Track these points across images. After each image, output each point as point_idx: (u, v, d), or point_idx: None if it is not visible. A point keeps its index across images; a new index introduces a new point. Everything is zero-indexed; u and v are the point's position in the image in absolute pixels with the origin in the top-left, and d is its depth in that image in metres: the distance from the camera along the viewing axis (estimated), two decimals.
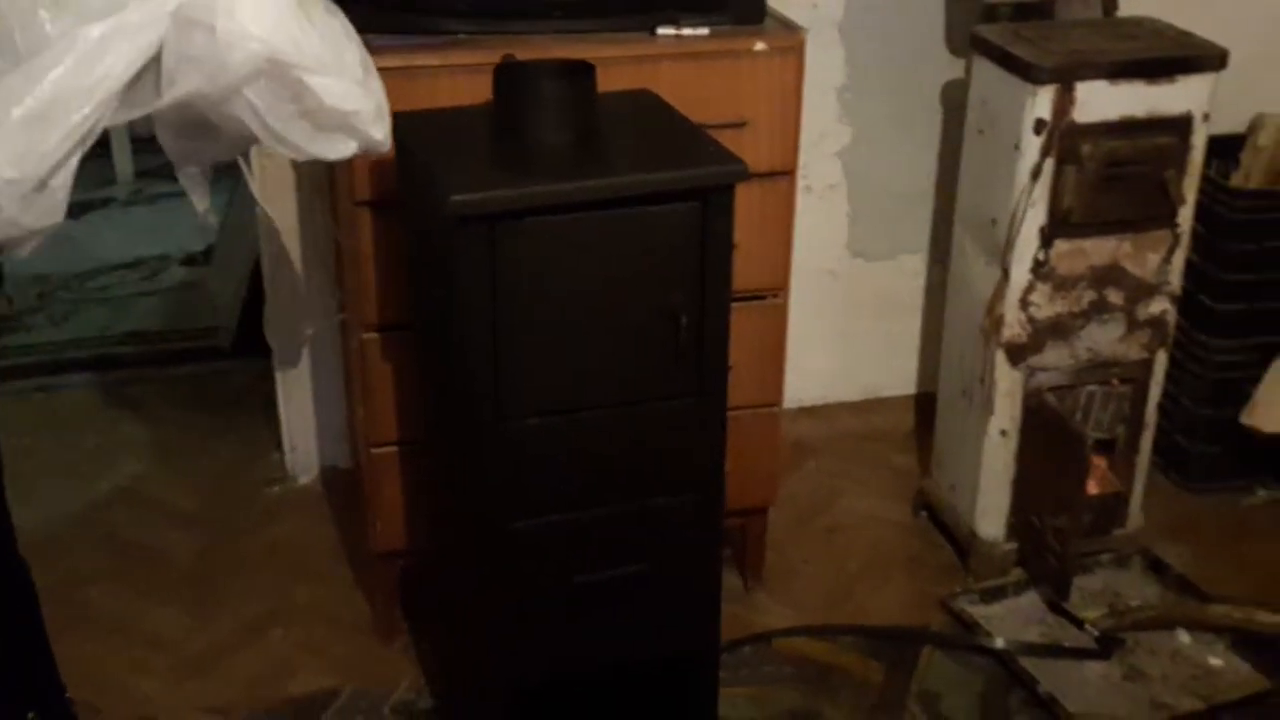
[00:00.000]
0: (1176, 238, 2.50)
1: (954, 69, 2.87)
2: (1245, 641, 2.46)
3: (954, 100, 2.84)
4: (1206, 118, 2.41)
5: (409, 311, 2.23)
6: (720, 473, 2.08)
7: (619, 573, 2.00)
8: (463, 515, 2.03)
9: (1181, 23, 2.53)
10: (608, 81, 2.16)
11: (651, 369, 1.97)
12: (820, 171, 3.01)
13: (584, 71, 1.98)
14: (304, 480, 3.00)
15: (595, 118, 1.98)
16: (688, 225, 1.91)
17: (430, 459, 2.23)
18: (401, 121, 2.01)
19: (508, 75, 1.96)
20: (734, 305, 2.37)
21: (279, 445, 3.02)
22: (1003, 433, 2.59)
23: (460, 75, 2.17)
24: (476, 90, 2.09)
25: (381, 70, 2.11)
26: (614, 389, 1.96)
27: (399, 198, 2.15)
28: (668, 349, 1.95)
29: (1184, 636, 2.51)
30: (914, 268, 3.16)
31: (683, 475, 2.04)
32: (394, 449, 2.39)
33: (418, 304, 2.15)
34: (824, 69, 2.89)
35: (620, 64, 2.22)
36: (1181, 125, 2.40)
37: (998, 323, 2.52)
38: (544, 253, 1.86)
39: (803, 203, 2.97)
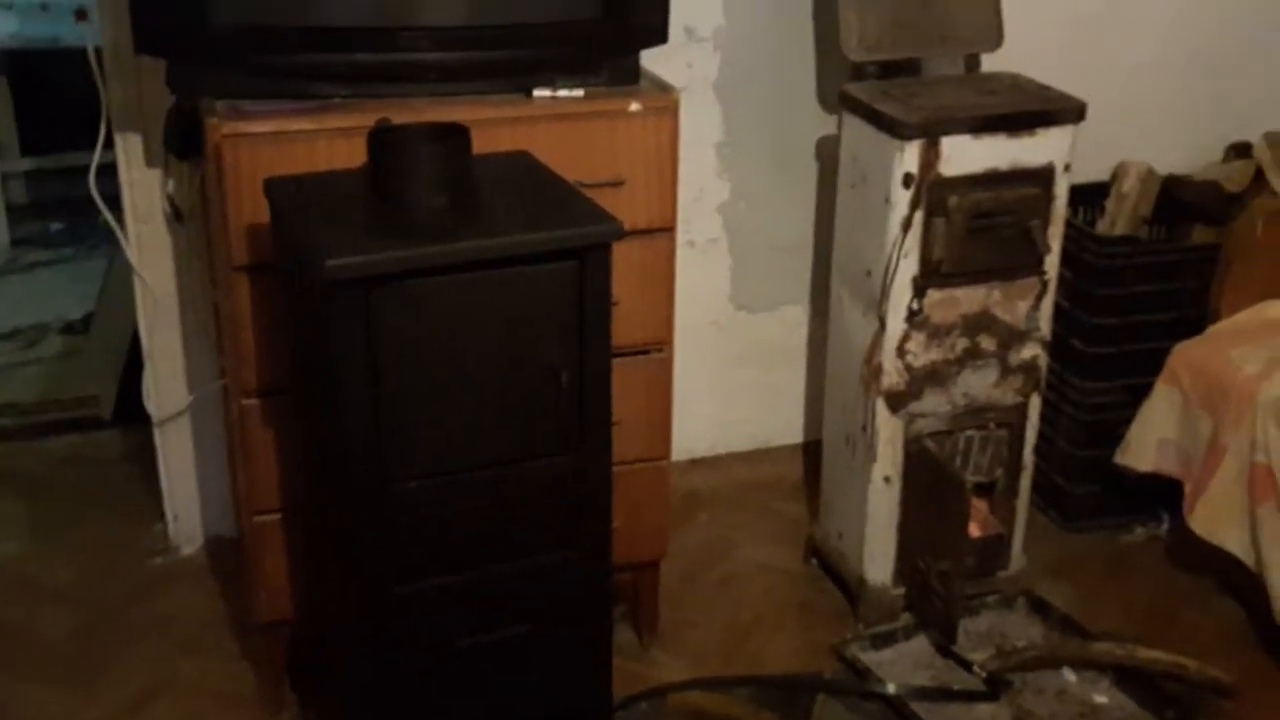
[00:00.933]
0: (1044, 285, 2.58)
1: (827, 124, 2.94)
2: (1128, 678, 2.51)
3: (828, 155, 2.91)
4: (1068, 168, 2.50)
5: (288, 376, 2.21)
6: (606, 529, 2.09)
7: (505, 634, 2.00)
8: (343, 581, 2.00)
9: (1042, 77, 2.62)
10: (485, 143, 2.19)
11: (534, 427, 1.98)
12: (702, 226, 3.05)
13: (458, 134, 1.99)
14: (188, 551, 2.95)
15: (471, 179, 1.99)
16: (566, 284, 1.93)
17: (311, 525, 2.21)
18: (276, 186, 2.01)
19: (382, 139, 1.97)
20: (619, 360, 2.42)
21: (161, 516, 2.96)
22: (886, 479, 2.64)
23: (337, 139, 2.17)
24: (354, 153, 2.08)
25: (256, 135, 2.13)
26: (496, 448, 1.96)
27: (275, 262, 2.14)
28: (549, 407, 1.96)
29: (1069, 675, 2.55)
30: (796, 318, 3.21)
31: (568, 533, 2.04)
32: (277, 516, 2.35)
33: (296, 368, 2.13)
34: (702, 126, 2.94)
35: (497, 126, 2.24)
36: (1044, 176, 2.48)
37: (876, 372, 2.57)
38: (421, 315, 1.86)
39: (685, 257, 3.02)
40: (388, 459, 1.88)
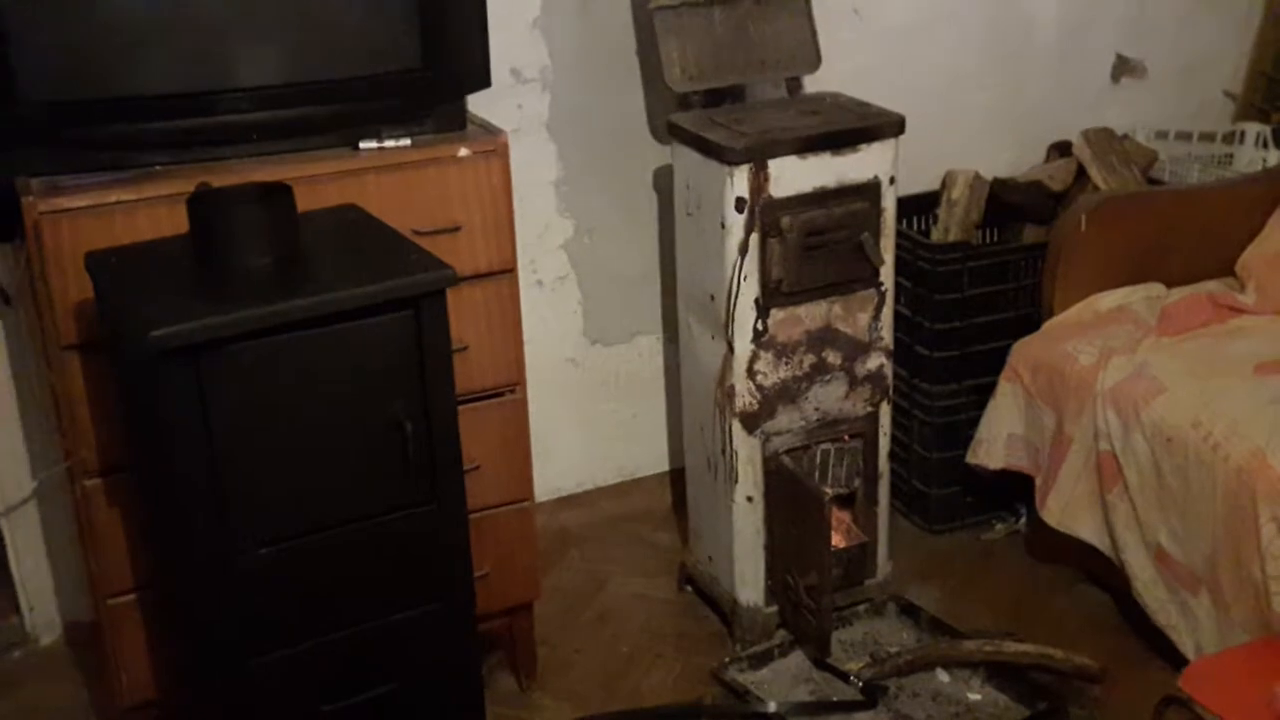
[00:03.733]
0: (882, 296, 2.63)
1: (662, 155, 2.97)
2: (1000, 673, 2.55)
3: (665, 185, 2.94)
4: (893, 180, 2.55)
5: (128, 453, 2.15)
6: (467, 578, 2.08)
7: (370, 695, 1.96)
8: (197, 656, 1.95)
9: (865, 94, 2.68)
10: (314, 199, 2.17)
11: (383, 482, 1.96)
12: (549, 264, 3.06)
13: (280, 193, 1.97)
14: (46, 641, 2.84)
15: (297, 237, 1.98)
16: (403, 334, 1.93)
17: (162, 602, 2.15)
18: (97, 260, 1.97)
19: (201, 204, 1.94)
20: (471, 405, 2.43)
21: (16, 608, 2.85)
22: (749, 499, 2.66)
23: (159, 207, 2.13)
24: (178, 221, 2.05)
25: (74, 210, 2.08)
26: (345, 507, 1.94)
27: (103, 338, 2.08)
28: (397, 460, 1.95)
29: (943, 676, 2.59)
30: (650, 348, 3.23)
31: (427, 586, 2.02)
32: (132, 596, 2.29)
33: (133, 444, 2.08)
34: (538, 166, 2.95)
35: (324, 181, 2.23)
36: (871, 190, 2.54)
37: (729, 394, 2.59)
38: (256, 378, 1.83)
39: (535, 296, 3.03)
40: (232, 528, 1.85)
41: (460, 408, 2.14)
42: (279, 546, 1.89)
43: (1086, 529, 2.68)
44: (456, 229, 2.35)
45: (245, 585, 1.88)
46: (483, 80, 2.39)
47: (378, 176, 2.27)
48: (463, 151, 2.32)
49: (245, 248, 1.91)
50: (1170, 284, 2.90)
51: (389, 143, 2.31)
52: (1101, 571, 2.76)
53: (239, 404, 1.83)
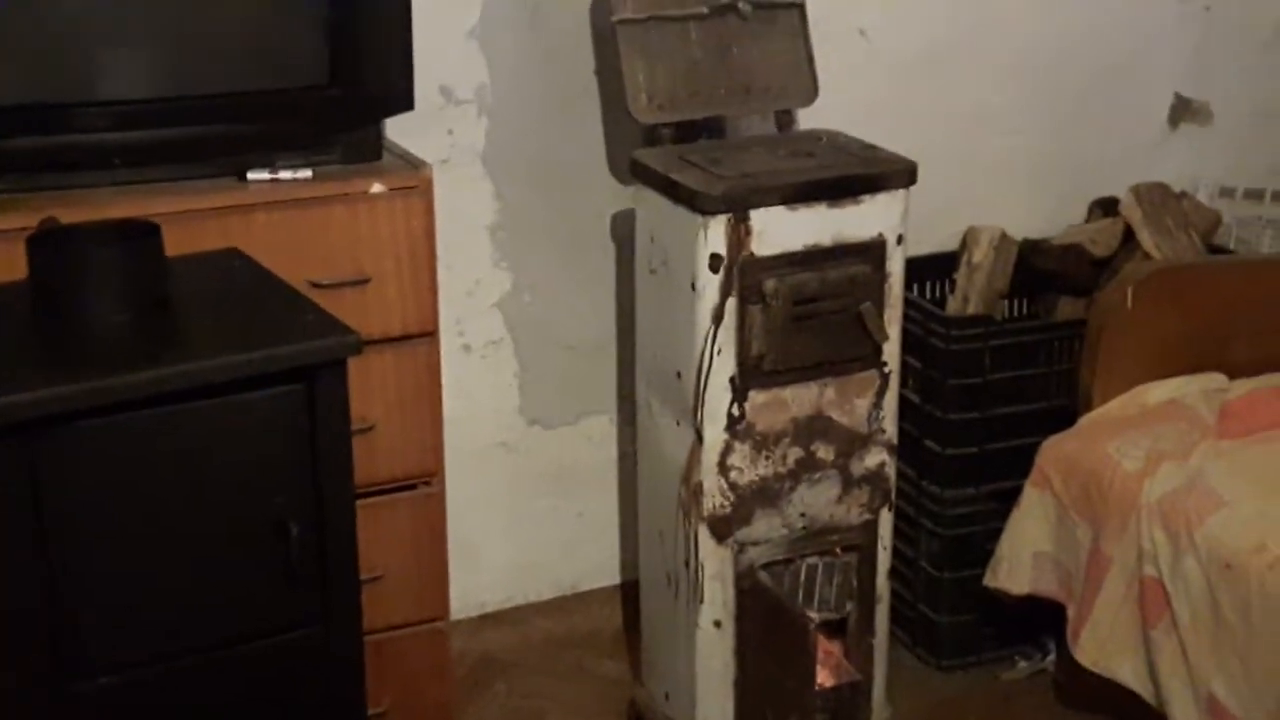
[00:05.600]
0: (885, 378, 2.63)
1: (622, 198, 2.97)
2: None
3: (626, 234, 2.94)
4: (901, 239, 2.56)
5: None
6: (360, 716, 2.05)
7: None
8: None
9: (868, 134, 2.70)
10: (188, 240, 2.17)
11: (260, 596, 1.95)
12: (479, 326, 3.05)
13: (145, 233, 1.97)
14: None
15: (165, 289, 1.97)
16: (291, 412, 1.92)
17: None
18: None
19: (46, 244, 1.94)
20: (376, 500, 2.42)
21: None
22: (716, 624, 2.64)
23: None
24: (17, 263, 2.02)
25: None
26: (212, 627, 1.92)
27: None
28: (278, 568, 1.93)
29: None
30: (602, 432, 3.22)
31: None
32: None
33: None
34: (470, 206, 2.95)
35: (202, 218, 2.24)
36: (874, 250, 2.54)
37: (696, 493, 2.57)
38: (105, 464, 1.82)
39: (461, 365, 3.02)
40: (70, 651, 1.83)
41: (361, 503, 2.12)
42: (124, 675, 1.87)
43: (1126, 671, 2.67)
44: (365, 282, 2.35)
45: None
46: (404, 101, 2.39)
47: (269, 215, 2.27)
48: (376, 187, 2.33)
49: (98, 300, 1.90)
50: (1234, 375, 2.91)
51: (284, 174, 2.31)
52: None
53: (83, 495, 1.81)
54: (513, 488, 3.18)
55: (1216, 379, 2.90)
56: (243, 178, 2.30)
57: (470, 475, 3.06)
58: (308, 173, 2.32)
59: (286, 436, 1.92)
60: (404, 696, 2.52)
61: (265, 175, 2.30)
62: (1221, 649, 2.47)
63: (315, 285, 2.27)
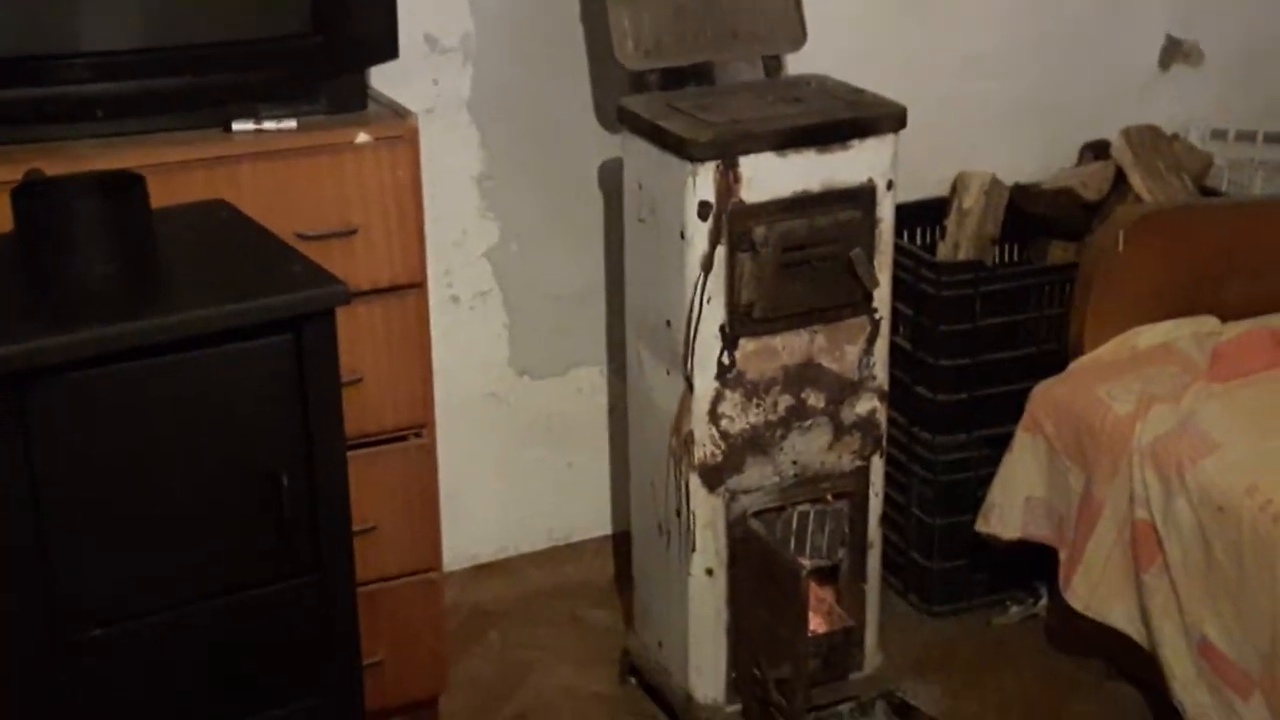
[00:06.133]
0: (876, 325, 2.64)
1: (610, 147, 2.96)
2: None
3: (614, 183, 2.93)
4: (891, 185, 2.56)
5: None
6: (354, 667, 2.07)
7: None
8: None
9: (858, 78, 2.69)
10: (173, 192, 2.17)
11: (251, 547, 1.95)
12: (467, 277, 3.05)
13: (131, 185, 1.96)
14: None
15: (151, 240, 1.97)
16: (280, 363, 1.92)
17: None
18: None
19: (31, 196, 1.93)
20: (367, 451, 2.43)
21: None
22: (708, 573, 2.65)
23: None
24: (1, 215, 2.02)
25: None
26: (203, 578, 1.93)
27: None
28: (269, 520, 1.94)
29: None
30: (592, 383, 3.22)
31: (305, 677, 2.01)
32: None
33: None
34: (457, 156, 2.94)
35: (188, 170, 2.23)
36: (864, 196, 2.54)
37: (687, 442, 2.58)
38: (94, 416, 1.82)
39: (450, 316, 3.02)
40: (59, 603, 1.83)
41: (352, 455, 2.13)
42: (118, 627, 1.87)
43: (1118, 614, 2.69)
44: (352, 233, 2.34)
45: (78, 673, 1.86)
46: (389, 49, 2.39)
47: (254, 166, 2.26)
48: (361, 137, 2.32)
49: (84, 252, 1.89)
50: (1225, 317, 2.93)
51: (269, 124, 2.30)
52: (1137, 666, 2.77)
53: (73, 447, 1.81)
54: (503, 439, 3.19)
55: (1208, 322, 2.91)
56: (227, 129, 2.29)
57: (460, 427, 3.07)
58: (292, 123, 2.31)
59: (276, 387, 1.92)
60: (398, 648, 2.53)
61: (250, 126, 2.29)
62: (1213, 591, 2.49)
63: (302, 237, 2.27)
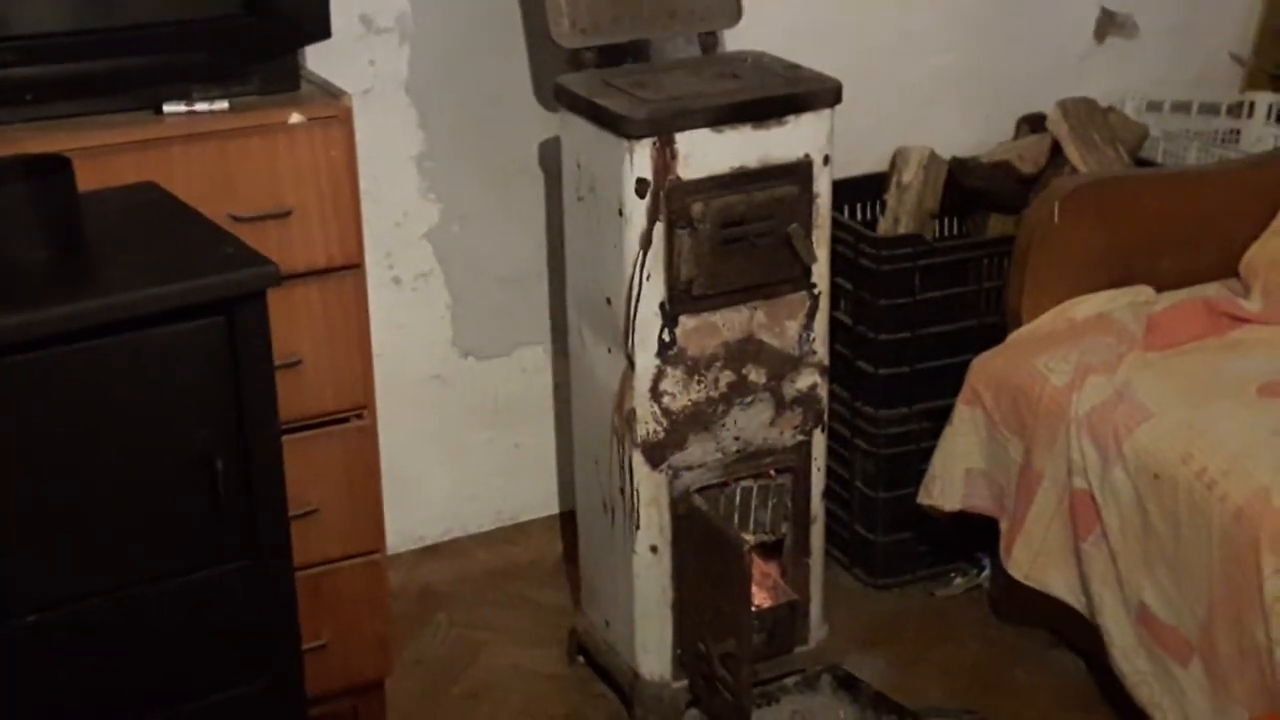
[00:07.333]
0: (815, 300, 2.63)
1: (550, 125, 2.95)
2: None
3: (555, 162, 2.92)
4: (828, 160, 2.56)
5: None
6: (294, 651, 2.06)
7: None
8: None
9: (795, 54, 2.69)
10: (104, 175, 2.15)
11: (186, 531, 1.94)
12: (408, 258, 3.03)
13: (56, 168, 1.94)
14: None
15: (78, 224, 1.95)
16: (211, 346, 1.91)
17: None
18: None
19: None
20: (307, 434, 2.41)
21: None
22: (653, 549, 2.65)
23: None
24: None
25: None
26: (137, 564, 1.92)
27: None
28: (205, 504, 1.93)
29: None
30: (536, 363, 3.21)
31: (243, 661, 2.00)
32: None
33: None
34: (395, 136, 2.93)
35: (118, 153, 2.21)
36: (800, 171, 2.54)
37: (629, 420, 2.58)
38: (20, 402, 1.80)
39: (391, 297, 3.00)
40: None
41: (291, 438, 2.12)
42: (52, 612, 1.86)
43: (1059, 583, 2.71)
44: (287, 214, 2.33)
45: (7, 662, 1.84)
46: (321, 29, 2.37)
47: (185, 148, 2.25)
48: (295, 118, 2.30)
49: (10, 236, 1.87)
50: (1160, 287, 2.94)
51: (200, 106, 2.28)
52: (1079, 635, 2.78)
53: (2, 433, 1.79)
54: (449, 420, 3.18)
55: (1144, 292, 2.92)
56: (159, 111, 2.27)
57: (406, 409, 3.06)
58: (224, 104, 2.29)
59: (209, 370, 1.90)
60: (342, 631, 2.52)
61: (181, 108, 2.27)
62: (1151, 559, 2.50)
63: (236, 219, 2.25)
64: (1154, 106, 3.37)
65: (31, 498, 1.83)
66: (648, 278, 2.49)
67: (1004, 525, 2.80)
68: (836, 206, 2.67)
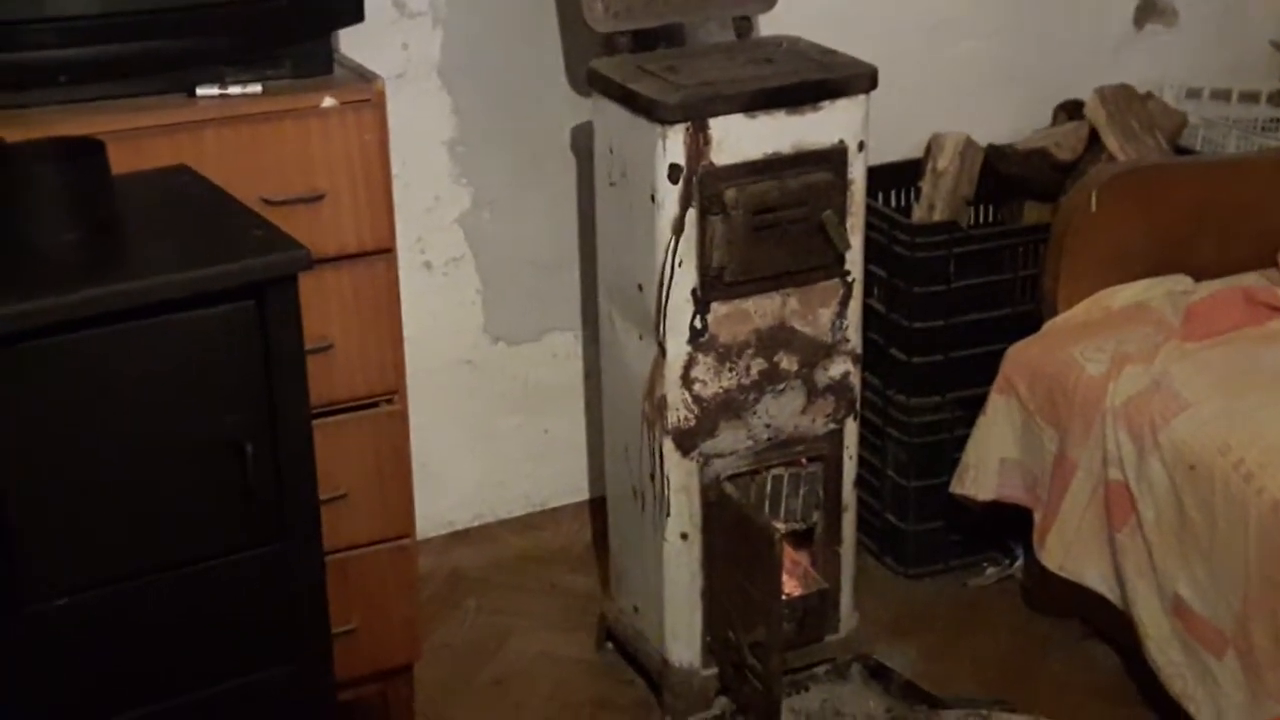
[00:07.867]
0: (848, 287, 2.62)
1: (582, 111, 2.94)
2: None
3: (587, 147, 2.91)
4: (862, 146, 2.54)
5: None
6: (323, 636, 2.06)
7: None
8: None
9: (830, 39, 2.67)
10: (138, 158, 2.15)
11: (217, 516, 1.94)
12: (440, 243, 3.03)
13: (90, 151, 1.94)
14: None
15: (111, 206, 1.95)
16: (242, 330, 1.90)
17: None
18: None
19: None
20: (338, 419, 2.42)
21: None
22: (683, 537, 2.64)
23: None
24: None
25: None
26: (169, 548, 1.91)
27: None
28: (235, 488, 1.92)
29: None
30: (567, 349, 3.21)
31: (273, 646, 2.00)
32: None
33: None
34: (428, 121, 2.93)
35: (152, 136, 2.20)
36: (835, 158, 2.52)
37: (660, 407, 2.57)
38: (53, 385, 1.80)
39: (423, 282, 3.00)
40: (21, 573, 1.82)
41: (321, 422, 2.12)
42: (80, 596, 1.86)
43: (1093, 574, 2.69)
44: (319, 198, 2.32)
45: (42, 643, 1.85)
46: (355, 13, 2.36)
47: (219, 131, 2.24)
48: (327, 101, 2.30)
49: (44, 219, 1.87)
50: (1199, 276, 2.92)
51: (234, 89, 2.28)
52: (1112, 626, 2.77)
53: (33, 416, 1.79)
54: (479, 406, 3.18)
55: (1182, 281, 2.90)
56: (192, 94, 2.27)
57: (436, 394, 3.06)
58: (257, 87, 2.29)
59: (239, 354, 1.90)
60: (371, 616, 2.52)
61: (214, 91, 2.27)
62: (1186, 550, 2.48)
63: (268, 202, 2.24)
64: (1193, 94, 3.35)
65: (59, 482, 1.83)
66: (679, 264, 2.48)
67: (1037, 515, 2.78)
68: (871, 193, 2.65)
